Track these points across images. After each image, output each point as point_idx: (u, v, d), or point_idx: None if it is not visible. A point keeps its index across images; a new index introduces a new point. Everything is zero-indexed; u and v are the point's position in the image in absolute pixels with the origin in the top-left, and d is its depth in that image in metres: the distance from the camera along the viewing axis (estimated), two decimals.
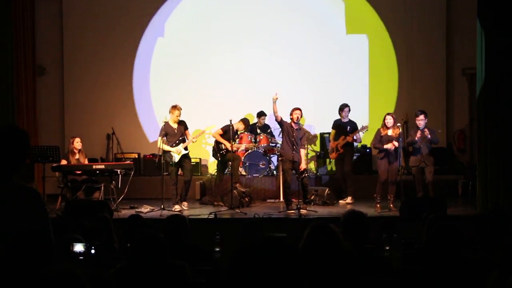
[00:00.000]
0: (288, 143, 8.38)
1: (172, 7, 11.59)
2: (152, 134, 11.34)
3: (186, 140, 8.72)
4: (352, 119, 9.57)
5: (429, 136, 8.57)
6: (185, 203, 8.83)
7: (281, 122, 8.51)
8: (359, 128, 9.30)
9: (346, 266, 3.03)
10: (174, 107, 8.66)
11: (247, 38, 11.48)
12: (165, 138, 8.66)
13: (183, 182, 8.82)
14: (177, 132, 8.67)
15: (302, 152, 8.54)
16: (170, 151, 8.65)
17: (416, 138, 8.61)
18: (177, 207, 8.59)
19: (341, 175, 9.61)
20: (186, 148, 8.72)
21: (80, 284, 1.85)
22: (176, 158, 8.65)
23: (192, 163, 9.38)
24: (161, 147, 8.61)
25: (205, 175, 10.74)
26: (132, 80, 11.59)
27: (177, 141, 8.66)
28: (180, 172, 8.88)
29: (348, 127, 9.40)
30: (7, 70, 8.57)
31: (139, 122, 11.58)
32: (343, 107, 9.53)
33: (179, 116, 8.67)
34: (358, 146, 10.40)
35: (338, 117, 9.61)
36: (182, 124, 8.78)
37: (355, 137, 9.32)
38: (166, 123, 8.68)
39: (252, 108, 10.98)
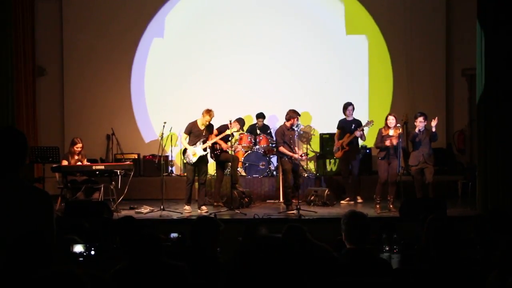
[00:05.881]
0: (288, 148, 8.46)
1: (171, 8, 11.58)
2: (151, 134, 11.34)
3: (207, 142, 8.63)
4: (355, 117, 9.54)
5: (433, 129, 8.52)
6: (203, 208, 8.61)
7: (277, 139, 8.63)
8: (363, 124, 9.26)
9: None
10: (208, 112, 8.54)
11: (247, 39, 11.46)
12: (189, 136, 8.63)
13: (198, 185, 8.73)
14: (203, 134, 8.60)
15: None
16: (187, 150, 8.59)
17: (417, 130, 8.55)
18: (187, 208, 8.56)
19: (346, 174, 9.58)
20: (205, 149, 8.60)
21: (80, 284, 1.85)
22: (193, 159, 8.56)
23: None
24: (183, 143, 8.64)
25: None
26: (131, 81, 11.57)
27: (198, 142, 8.57)
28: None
29: (353, 125, 9.36)
30: (7, 70, 8.55)
31: (139, 122, 11.57)
32: (347, 106, 9.50)
33: (209, 121, 8.59)
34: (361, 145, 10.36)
35: (342, 117, 9.57)
36: (209, 128, 8.70)
37: (360, 133, 9.29)
38: (194, 122, 8.65)
39: (252, 109, 10.97)
